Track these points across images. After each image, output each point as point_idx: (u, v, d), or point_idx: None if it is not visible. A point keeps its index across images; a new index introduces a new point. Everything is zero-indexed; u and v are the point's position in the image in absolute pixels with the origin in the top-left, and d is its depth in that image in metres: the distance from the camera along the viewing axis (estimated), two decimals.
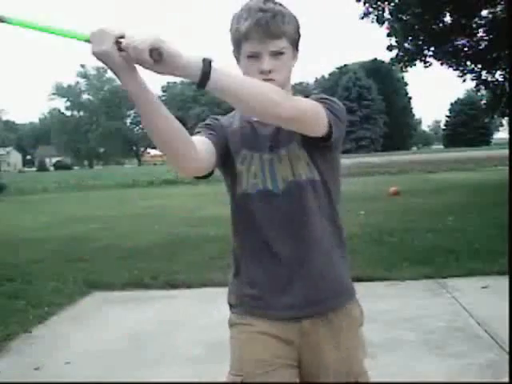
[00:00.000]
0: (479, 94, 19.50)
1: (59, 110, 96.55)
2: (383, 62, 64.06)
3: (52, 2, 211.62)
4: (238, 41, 1.46)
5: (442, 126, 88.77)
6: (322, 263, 1.50)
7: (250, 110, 1.34)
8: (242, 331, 1.59)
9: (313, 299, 1.48)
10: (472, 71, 15.72)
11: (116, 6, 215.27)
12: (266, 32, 1.39)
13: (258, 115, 1.39)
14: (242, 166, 1.51)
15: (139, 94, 1.21)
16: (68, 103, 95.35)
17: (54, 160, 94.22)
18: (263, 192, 1.49)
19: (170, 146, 1.29)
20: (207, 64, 1.18)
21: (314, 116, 1.38)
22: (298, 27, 1.48)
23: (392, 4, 14.15)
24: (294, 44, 1.47)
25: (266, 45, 1.40)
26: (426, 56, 15.05)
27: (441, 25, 14.47)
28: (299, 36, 1.49)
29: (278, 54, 1.42)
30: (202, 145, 1.40)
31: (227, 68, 1.25)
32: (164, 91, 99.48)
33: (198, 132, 1.50)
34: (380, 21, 14.51)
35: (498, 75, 15.78)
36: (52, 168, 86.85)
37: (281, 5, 1.46)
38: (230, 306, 1.68)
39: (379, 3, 14.21)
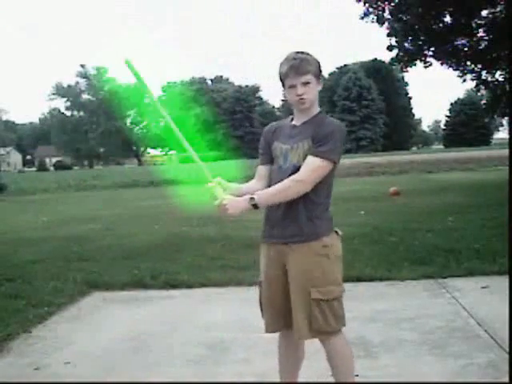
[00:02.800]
0: (479, 94, 19.50)
1: (59, 110, 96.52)
2: (383, 61, 64.09)
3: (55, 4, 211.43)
4: (282, 79, 2.42)
5: (442, 126, 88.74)
6: (290, 218, 2.41)
7: (285, 200, 2.36)
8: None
9: (281, 235, 2.44)
10: (472, 71, 15.71)
11: (116, 6, 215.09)
12: (297, 71, 2.33)
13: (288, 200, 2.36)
14: (274, 152, 2.50)
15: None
16: (68, 103, 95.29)
17: (54, 160, 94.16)
18: (278, 168, 2.47)
19: None
20: (251, 201, 2.33)
21: (319, 179, 2.34)
22: (318, 66, 2.40)
23: (392, 4, 14.15)
24: (317, 76, 2.39)
25: (298, 79, 2.34)
26: (426, 56, 15.05)
27: (441, 25, 14.46)
28: (320, 71, 2.41)
29: (306, 83, 2.35)
30: (265, 173, 2.56)
31: (265, 193, 2.36)
32: (164, 91, 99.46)
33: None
34: (380, 21, 14.52)
35: (498, 75, 15.79)
36: (52, 168, 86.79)
37: (308, 54, 2.40)
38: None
39: (379, 3, 14.21)
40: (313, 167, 2.30)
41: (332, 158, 2.32)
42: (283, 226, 2.42)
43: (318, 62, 2.39)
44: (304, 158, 2.34)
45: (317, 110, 2.43)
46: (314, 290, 2.39)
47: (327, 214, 2.50)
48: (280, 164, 2.44)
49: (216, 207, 2.38)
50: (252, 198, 2.30)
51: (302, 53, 2.38)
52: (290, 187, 2.30)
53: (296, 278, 2.42)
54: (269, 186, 2.44)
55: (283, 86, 2.43)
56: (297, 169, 2.35)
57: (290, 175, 2.34)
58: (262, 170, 2.55)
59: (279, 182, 2.36)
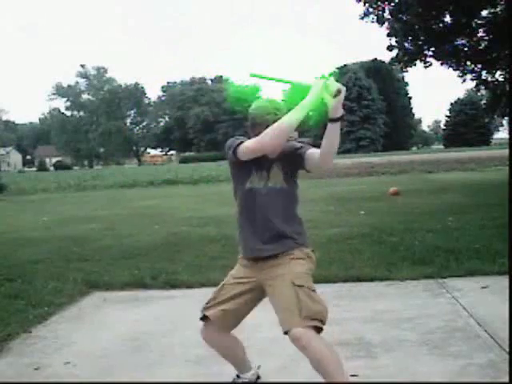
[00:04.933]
0: (479, 94, 19.51)
1: (59, 110, 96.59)
2: (383, 62, 64.02)
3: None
4: None
5: (442, 126, 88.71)
6: (269, 234, 2.59)
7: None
8: None
9: (260, 248, 2.61)
10: (472, 71, 15.71)
11: (115, 6, 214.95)
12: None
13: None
14: None
15: None
16: (68, 103, 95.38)
17: (54, 160, 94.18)
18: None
19: None
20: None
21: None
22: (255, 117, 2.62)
23: (392, 4, 14.15)
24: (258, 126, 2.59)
25: None
26: (426, 56, 15.04)
27: (441, 25, 14.46)
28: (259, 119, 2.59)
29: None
30: None
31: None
32: (164, 91, 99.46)
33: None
34: (380, 21, 14.51)
35: (498, 75, 15.78)
36: (52, 168, 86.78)
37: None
38: None
39: (379, 3, 14.21)
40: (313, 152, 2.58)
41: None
42: (263, 241, 2.64)
43: (254, 114, 2.60)
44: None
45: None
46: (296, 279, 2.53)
47: None
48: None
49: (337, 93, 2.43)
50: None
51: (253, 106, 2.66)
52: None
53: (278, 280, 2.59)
54: None
55: None
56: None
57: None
58: None
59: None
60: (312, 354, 2.38)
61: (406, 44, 14.87)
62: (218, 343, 2.82)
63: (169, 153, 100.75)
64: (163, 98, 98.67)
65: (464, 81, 15.96)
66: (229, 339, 2.82)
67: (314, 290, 2.54)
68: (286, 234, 2.60)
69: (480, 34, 14.88)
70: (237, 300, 2.66)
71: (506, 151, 23.13)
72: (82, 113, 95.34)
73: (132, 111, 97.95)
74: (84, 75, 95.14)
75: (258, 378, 2.92)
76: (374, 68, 78.41)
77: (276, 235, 2.59)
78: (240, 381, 2.89)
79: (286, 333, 2.43)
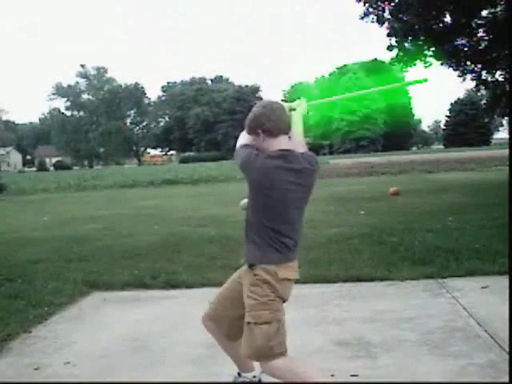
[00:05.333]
0: (479, 94, 19.51)
1: (59, 110, 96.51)
2: (383, 62, 64.01)
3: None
4: None
5: (442, 126, 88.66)
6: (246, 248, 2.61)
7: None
8: None
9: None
10: (472, 71, 15.70)
11: (115, 6, 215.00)
12: None
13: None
14: None
15: None
16: (68, 103, 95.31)
17: (54, 160, 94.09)
18: None
19: None
20: None
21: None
22: (254, 121, 2.59)
23: (392, 4, 14.14)
24: (255, 132, 2.58)
25: None
26: (425, 56, 15.03)
27: (441, 25, 14.45)
28: (258, 124, 2.56)
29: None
30: None
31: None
32: (164, 91, 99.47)
33: None
34: (380, 21, 14.50)
35: (498, 75, 15.77)
36: (52, 168, 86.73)
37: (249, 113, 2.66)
38: None
39: (379, 3, 14.20)
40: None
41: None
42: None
43: (254, 116, 2.58)
44: None
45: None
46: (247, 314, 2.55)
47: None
48: None
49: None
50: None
51: (252, 110, 2.64)
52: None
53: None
54: None
55: None
56: None
57: None
58: None
59: None
60: (277, 377, 2.55)
61: (406, 44, 14.86)
62: (217, 337, 2.86)
63: (169, 153, 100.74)
64: (163, 98, 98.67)
65: (464, 80, 15.97)
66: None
67: (264, 322, 2.50)
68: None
69: (480, 34, 14.88)
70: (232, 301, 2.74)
71: (506, 151, 23.13)
72: (82, 113, 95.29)
73: (132, 111, 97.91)
74: (84, 75, 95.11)
75: (260, 382, 2.91)
76: (374, 68, 78.34)
77: None
78: (240, 380, 2.89)
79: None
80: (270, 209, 2.50)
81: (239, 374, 2.90)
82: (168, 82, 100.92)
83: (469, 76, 15.84)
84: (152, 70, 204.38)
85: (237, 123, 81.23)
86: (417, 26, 14.07)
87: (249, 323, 2.52)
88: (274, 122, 2.52)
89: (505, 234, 5.89)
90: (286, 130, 2.58)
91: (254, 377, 2.89)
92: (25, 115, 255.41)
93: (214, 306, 2.82)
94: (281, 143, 2.54)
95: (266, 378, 2.90)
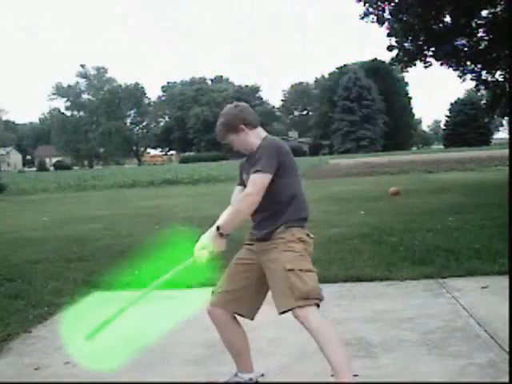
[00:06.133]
0: (479, 94, 19.51)
1: (59, 110, 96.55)
2: (383, 61, 64.01)
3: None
4: None
5: (442, 126, 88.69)
6: (262, 224, 2.85)
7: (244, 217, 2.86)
8: None
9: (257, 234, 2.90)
10: (472, 71, 15.71)
11: (115, 6, 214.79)
12: (219, 139, 2.99)
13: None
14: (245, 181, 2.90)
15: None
16: (68, 103, 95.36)
17: (54, 160, 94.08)
18: None
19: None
20: (218, 229, 2.87)
21: (263, 189, 2.71)
22: (232, 120, 2.83)
23: (392, 4, 14.14)
24: (234, 130, 2.83)
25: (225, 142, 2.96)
26: (426, 56, 15.03)
27: (441, 25, 14.46)
28: (239, 122, 2.82)
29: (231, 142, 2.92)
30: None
31: (224, 218, 2.97)
32: (164, 91, 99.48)
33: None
34: (380, 21, 14.51)
35: (498, 75, 15.78)
36: (52, 168, 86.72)
37: (223, 114, 2.87)
38: None
39: (379, 3, 14.20)
40: (253, 182, 2.71)
41: (266, 171, 2.68)
42: (259, 229, 2.88)
43: (232, 116, 2.82)
44: None
45: (256, 144, 2.80)
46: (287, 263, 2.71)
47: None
48: None
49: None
50: (218, 228, 2.83)
51: (222, 114, 2.87)
52: (241, 204, 2.77)
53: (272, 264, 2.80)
54: None
55: None
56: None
57: None
58: (240, 190, 2.98)
59: None
60: (309, 325, 2.61)
61: (406, 44, 14.87)
62: (222, 326, 2.88)
63: (169, 153, 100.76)
64: (163, 98, 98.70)
65: (464, 81, 15.97)
66: (234, 328, 2.88)
67: (307, 270, 2.72)
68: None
69: (480, 34, 14.88)
70: (240, 280, 2.92)
71: (506, 151, 23.13)
72: (81, 113, 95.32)
73: (132, 111, 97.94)
74: (84, 75, 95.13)
75: (257, 383, 2.90)
76: (374, 68, 78.37)
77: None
78: (236, 380, 2.89)
79: (281, 313, 2.66)
80: (297, 181, 2.86)
81: (236, 374, 2.90)
82: (168, 82, 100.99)
83: (469, 76, 15.85)
84: (152, 69, 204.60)
85: None
86: (417, 26, 14.08)
87: (292, 270, 2.65)
88: (250, 114, 2.86)
89: (505, 234, 5.88)
90: (258, 119, 2.91)
91: (251, 379, 2.88)
92: (25, 115, 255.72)
93: (219, 289, 2.92)
94: (260, 133, 2.86)
95: (265, 376, 2.90)
